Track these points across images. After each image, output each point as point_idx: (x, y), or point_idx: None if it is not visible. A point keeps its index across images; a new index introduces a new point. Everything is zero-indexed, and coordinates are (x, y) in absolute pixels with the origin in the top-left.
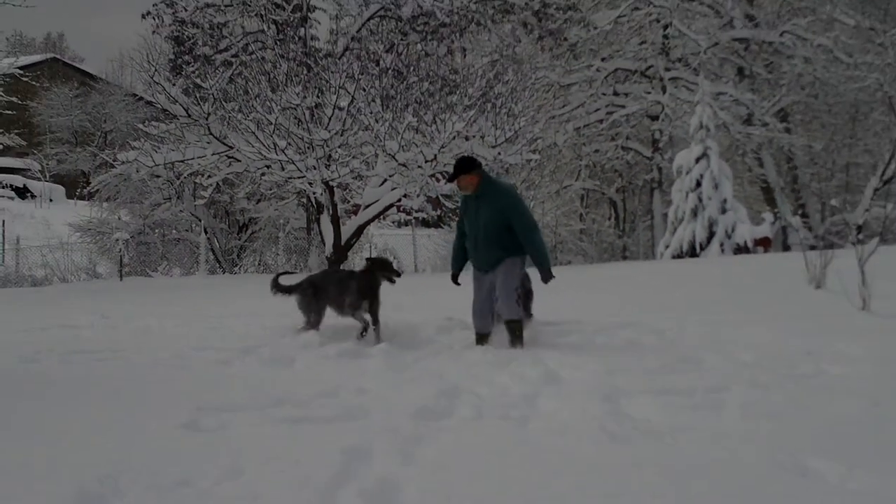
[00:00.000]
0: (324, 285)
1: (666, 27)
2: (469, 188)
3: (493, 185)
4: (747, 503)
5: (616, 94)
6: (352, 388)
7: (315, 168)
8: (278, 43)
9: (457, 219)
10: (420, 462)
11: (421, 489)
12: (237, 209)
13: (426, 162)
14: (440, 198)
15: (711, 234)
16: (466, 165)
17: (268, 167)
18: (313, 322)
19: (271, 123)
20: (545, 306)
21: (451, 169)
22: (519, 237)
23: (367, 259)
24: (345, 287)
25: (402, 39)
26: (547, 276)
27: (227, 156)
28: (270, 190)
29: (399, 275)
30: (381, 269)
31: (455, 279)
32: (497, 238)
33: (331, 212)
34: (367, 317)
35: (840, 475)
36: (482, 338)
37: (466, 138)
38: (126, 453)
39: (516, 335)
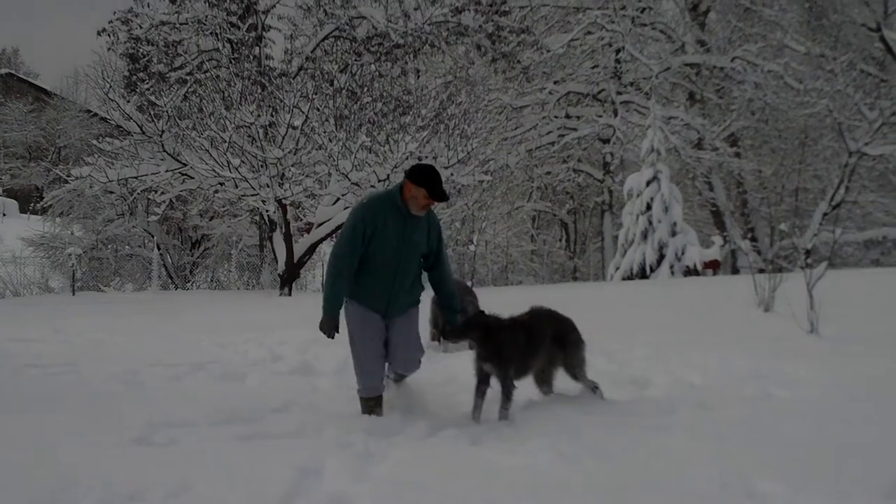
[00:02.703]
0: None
1: (618, 51)
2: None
3: None
4: None
5: (568, 116)
6: (304, 405)
7: (268, 186)
8: (233, 62)
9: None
10: (372, 479)
11: None
12: (190, 226)
13: (379, 181)
14: None
15: (661, 257)
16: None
17: (221, 184)
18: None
19: (225, 141)
20: None
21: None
22: (439, 269)
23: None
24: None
25: (356, 60)
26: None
27: (180, 173)
28: (223, 207)
29: None
30: None
31: (335, 322)
32: (418, 272)
33: (283, 230)
34: None
35: (786, 497)
36: (376, 403)
37: (419, 159)
38: (77, 467)
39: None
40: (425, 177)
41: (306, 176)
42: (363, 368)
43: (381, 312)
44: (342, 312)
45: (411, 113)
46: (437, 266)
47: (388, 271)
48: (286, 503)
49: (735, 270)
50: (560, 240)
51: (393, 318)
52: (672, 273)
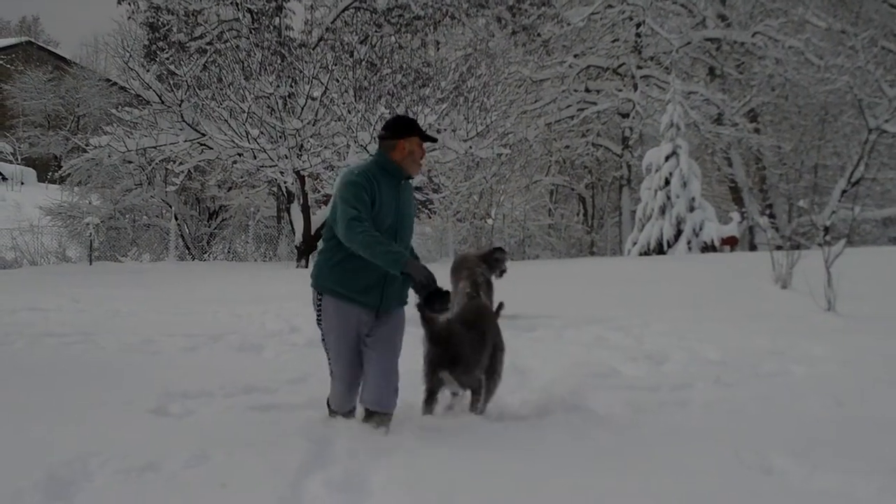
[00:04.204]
0: None
1: (639, 25)
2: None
3: None
4: (711, 500)
5: (588, 90)
6: (321, 377)
7: (287, 157)
8: (253, 32)
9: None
10: (387, 452)
11: (387, 478)
12: (208, 196)
13: None
14: None
15: (679, 232)
16: None
17: (240, 155)
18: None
19: (244, 112)
20: (512, 299)
21: (422, 161)
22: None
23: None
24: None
25: (376, 31)
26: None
27: (199, 143)
28: (241, 178)
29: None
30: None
31: (424, 269)
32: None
33: (301, 201)
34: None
35: (804, 473)
36: (348, 415)
37: (438, 131)
38: (94, 438)
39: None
40: (410, 125)
41: (325, 147)
42: (336, 384)
43: (373, 307)
44: (322, 304)
45: (431, 85)
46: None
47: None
48: (302, 474)
49: (753, 247)
50: (578, 214)
51: (384, 318)
52: (689, 249)
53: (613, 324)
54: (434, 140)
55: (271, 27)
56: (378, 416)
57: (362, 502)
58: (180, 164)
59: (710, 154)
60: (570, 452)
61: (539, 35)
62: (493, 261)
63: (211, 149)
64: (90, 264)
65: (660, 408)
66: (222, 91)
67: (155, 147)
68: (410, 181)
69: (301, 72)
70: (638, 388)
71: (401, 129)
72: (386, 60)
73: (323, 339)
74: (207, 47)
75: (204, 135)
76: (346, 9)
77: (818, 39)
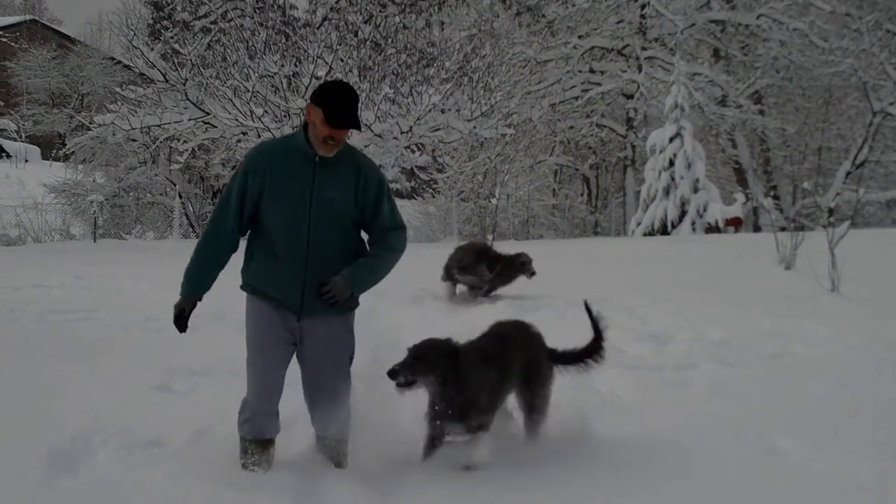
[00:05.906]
0: None
1: (643, 6)
2: (340, 144)
3: (353, 148)
4: (713, 481)
5: (592, 71)
6: None
7: None
8: (257, 11)
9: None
10: (389, 427)
11: (393, 453)
12: (212, 175)
13: (402, 133)
14: (414, 169)
15: (683, 213)
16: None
17: (244, 134)
18: None
19: (248, 91)
20: (516, 280)
21: (426, 141)
22: (377, 244)
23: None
24: None
25: (380, 11)
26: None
27: (203, 121)
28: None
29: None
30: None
31: (186, 314)
32: (345, 245)
33: None
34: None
35: (806, 455)
36: (259, 447)
37: (442, 111)
38: (97, 414)
39: (341, 461)
40: (324, 93)
41: None
42: (247, 397)
43: (292, 309)
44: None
45: (435, 65)
46: (376, 240)
47: (296, 244)
48: (307, 452)
49: (757, 228)
50: (582, 194)
51: (313, 325)
52: (694, 230)
53: (618, 304)
54: (345, 126)
55: (275, 6)
56: (330, 442)
57: (370, 475)
58: (184, 142)
59: (715, 135)
60: (572, 435)
61: (543, 16)
62: (513, 265)
63: (215, 127)
64: (94, 242)
65: (663, 388)
66: (226, 70)
67: (159, 125)
68: (345, 166)
69: (305, 51)
70: (642, 367)
71: (315, 91)
72: (390, 40)
73: (246, 345)
74: (212, 26)
75: (208, 113)
76: None
77: (823, 22)
